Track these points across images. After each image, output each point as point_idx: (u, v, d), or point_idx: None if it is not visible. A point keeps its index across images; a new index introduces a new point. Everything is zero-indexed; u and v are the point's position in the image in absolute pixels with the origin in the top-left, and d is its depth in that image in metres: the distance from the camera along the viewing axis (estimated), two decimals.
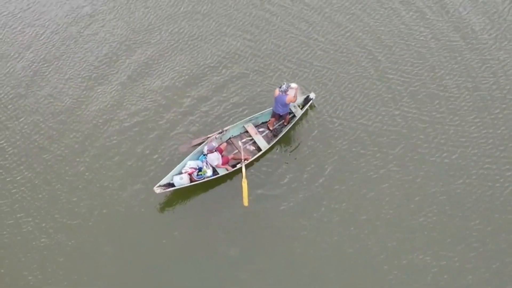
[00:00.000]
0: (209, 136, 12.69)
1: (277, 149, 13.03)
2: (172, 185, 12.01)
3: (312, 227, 11.85)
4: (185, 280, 11.33)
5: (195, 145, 12.66)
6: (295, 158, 12.90)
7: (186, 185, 12.00)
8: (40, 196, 12.41)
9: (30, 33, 15.31)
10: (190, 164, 12.28)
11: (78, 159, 12.94)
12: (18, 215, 12.14)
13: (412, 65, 14.21)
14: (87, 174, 12.73)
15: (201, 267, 11.46)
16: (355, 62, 14.32)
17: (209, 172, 12.20)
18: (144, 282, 11.38)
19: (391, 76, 14.01)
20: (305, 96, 13.27)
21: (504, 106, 13.37)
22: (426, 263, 11.25)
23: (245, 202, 11.63)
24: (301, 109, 13.11)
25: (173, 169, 12.20)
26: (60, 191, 12.47)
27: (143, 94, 13.97)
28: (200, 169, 12.21)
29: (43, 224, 12.04)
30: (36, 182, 12.61)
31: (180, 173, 12.17)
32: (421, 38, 14.78)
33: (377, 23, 15.14)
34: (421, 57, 14.36)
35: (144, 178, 12.62)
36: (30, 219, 12.10)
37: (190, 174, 12.17)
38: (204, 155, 12.26)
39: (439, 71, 14.08)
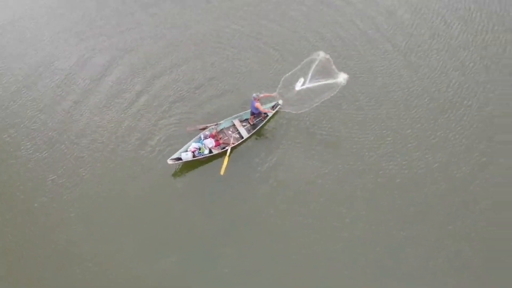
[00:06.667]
0: (208, 125, 18.32)
1: (255, 139, 18.35)
2: (180, 159, 17.60)
3: (272, 194, 16.78)
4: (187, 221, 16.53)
5: (199, 129, 18.26)
6: (267, 145, 18.13)
7: (190, 159, 17.57)
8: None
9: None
10: (193, 145, 17.93)
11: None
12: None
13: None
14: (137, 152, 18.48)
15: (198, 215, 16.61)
16: None
17: (206, 151, 17.85)
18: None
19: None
20: (275, 102, 18.73)
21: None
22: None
23: (222, 172, 17.01)
24: (272, 110, 18.58)
25: (181, 148, 17.83)
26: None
27: (169, 107, 19.65)
28: (199, 149, 17.89)
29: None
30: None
31: (186, 151, 17.81)
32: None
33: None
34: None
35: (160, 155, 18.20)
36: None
37: (193, 152, 17.80)
38: (202, 140, 17.97)
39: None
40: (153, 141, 18.50)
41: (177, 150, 17.87)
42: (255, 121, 18.60)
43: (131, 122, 19.20)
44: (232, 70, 20.55)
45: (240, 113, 18.82)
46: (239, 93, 19.62)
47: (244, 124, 18.69)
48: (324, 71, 16.98)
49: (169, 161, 17.36)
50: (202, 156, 17.72)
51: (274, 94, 18.41)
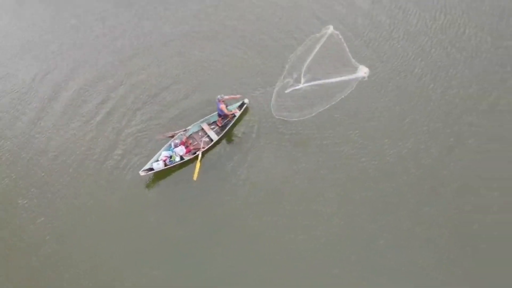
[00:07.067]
0: (176, 132, 18.18)
1: (226, 142, 18.28)
2: (152, 169, 17.43)
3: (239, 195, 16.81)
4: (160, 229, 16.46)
5: (168, 136, 18.07)
6: (239, 148, 18.03)
7: (162, 168, 17.43)
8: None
9: None
10: (164, 153, 17.80)
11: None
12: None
13: None
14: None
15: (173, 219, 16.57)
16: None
17: (177, 159, 17.72)
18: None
19: None
20: (241, 102, 18.67)
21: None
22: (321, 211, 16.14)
23: (194, 177, 16.93)
24: (239, 110, 18.52)
25: (150, 157, 17.69)
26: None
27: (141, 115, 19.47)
28: (170, 157, 17.73)
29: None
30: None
31: (157, 160, 17.64)
32: None
33: None
34: None
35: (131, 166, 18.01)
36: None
37: (164, 161, 17.65)
38: (172, 148, 17.82)
39: None
40: (121, 152, 18.33)
41: (146, 159, 17.79)
42: (223, 123, 18.52)
43: (95, 135, 18.98)
44: (194, 73, 20.44)
45: (207, 116, 18.73)
46: (203, 95, 19.54)
47: (212, 127, 18.60)
48: (334, 61, 15.70)
49: (141, 173, 17.18)
50: (173, 164, 17.59)
51: (238, 95, 18.38)
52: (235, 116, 18.43)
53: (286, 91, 16.55)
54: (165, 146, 17.99)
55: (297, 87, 16.28)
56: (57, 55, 22.09)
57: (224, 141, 18.32)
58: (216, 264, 15.36)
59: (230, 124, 18.31)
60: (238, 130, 18.48)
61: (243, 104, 18.67)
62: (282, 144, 17.68)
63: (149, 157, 17.77)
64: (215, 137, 18.14)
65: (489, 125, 16.87)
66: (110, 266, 15.81)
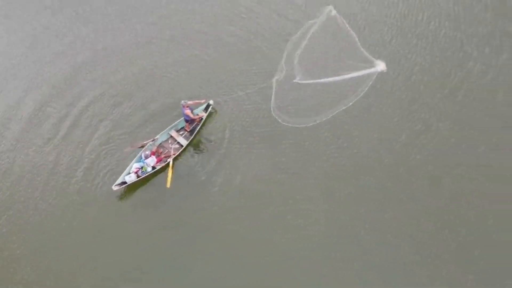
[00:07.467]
0: (145, 142, 18.01)
1: (197, 149, 18.22)
2: (125, 182, 17.21)
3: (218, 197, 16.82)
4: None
5: (138, 147, 17.91)
6: (211, 153, 17.98)
7: (134, 180, 17.25)
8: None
9: None
10: (135, 165, 17.61)
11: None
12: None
13: None
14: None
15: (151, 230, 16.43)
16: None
17: (149, 169, 17.56)
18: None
19: None
20: (206, 104, 18.63)
21: None
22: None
23: (168, 184, 16.88)
24: (205, 112, 18.49)
25: (123, 171, 17.45)
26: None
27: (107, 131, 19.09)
28: (142, 167, 17.56)
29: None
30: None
31: (129, 173, 17.44)
32: None
33: None
34: None
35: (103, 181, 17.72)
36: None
37: (136, 172, 17.48)
38: (143, 159, 17.69)
39: None
40: (88, 167, 18.06)
41: (115, 171, 17.66)
42: (191, 128, 18.44)
43: (59, 152, 18.62)
44: (157, 79, 20.28)
45: (175, 123, 18.65)
46: (167, 101, 19.47)
47: (181, 132, 18.54)
48: (344, 55, 15.17)
49: (114, 187, 16.98)
50: (146, 174, 17.46)
51: (203, 100, 18.39)
52: (202, 119, 18.38)
53: (286, 88, 16.34)
54: (136, 157, 17.81)
55: (302, 82, 15.59)
56: (15, 77, 21.49)
57: (197, 147, 18.26)
58: (197, 270, 15.33)
59: (198, 128, 18.26)
60: (210, 135, 18.41)
61: (208, 105, 18.63)
62: (254, 146, 17.68)
63: (117, 169, 17.64)
64: (185, 143, 18.07)
65: (452, 109, 17.22)
66: (92, 279, 15.71)
